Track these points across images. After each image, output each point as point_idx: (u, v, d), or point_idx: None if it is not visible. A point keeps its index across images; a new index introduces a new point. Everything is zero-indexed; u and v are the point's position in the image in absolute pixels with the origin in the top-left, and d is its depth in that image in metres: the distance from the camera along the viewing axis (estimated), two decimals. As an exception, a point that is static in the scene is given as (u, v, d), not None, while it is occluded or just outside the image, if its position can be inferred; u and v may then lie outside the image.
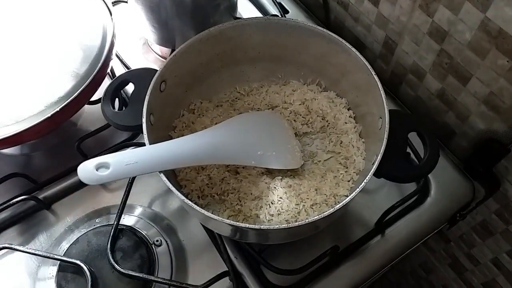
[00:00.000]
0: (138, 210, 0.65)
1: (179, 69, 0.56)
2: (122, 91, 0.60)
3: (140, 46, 0.82)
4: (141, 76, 0.55)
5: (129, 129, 0.52)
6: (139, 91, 0.53)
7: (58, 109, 0.57)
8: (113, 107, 0.55)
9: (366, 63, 0.53)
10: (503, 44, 0.50)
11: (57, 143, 0.72)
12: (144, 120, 0.49)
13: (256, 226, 0.47)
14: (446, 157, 0.68)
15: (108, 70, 0.66)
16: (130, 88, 0.56)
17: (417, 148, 0.61)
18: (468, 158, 0.66)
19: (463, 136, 0.65)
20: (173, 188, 0.46)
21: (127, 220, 0.63)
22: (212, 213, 0.55)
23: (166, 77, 0.54)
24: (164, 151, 0.47)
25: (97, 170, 0.43)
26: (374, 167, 0.46)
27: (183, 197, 0.46)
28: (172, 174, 0.56)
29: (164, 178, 0.46)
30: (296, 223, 0.45)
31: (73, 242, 0.59)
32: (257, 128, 0.58)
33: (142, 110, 0.49)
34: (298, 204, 0.54)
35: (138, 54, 0.81)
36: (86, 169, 0.43)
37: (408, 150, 0.60)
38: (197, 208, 0.45)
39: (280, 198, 0.55)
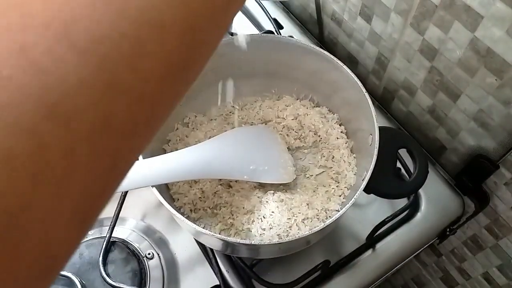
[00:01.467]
0: (131, 223, 0.65)
1: (173, 83, 0.56)
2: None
3: None
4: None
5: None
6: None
7: None
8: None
9: (357, 80, 0.54)
10: (491, 63, 0.51)
11: None
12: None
13: (247, 241, 0.47)
14: (436, 172, 0.68)
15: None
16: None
17: (408, 163, 0.61)
18: (458, 173, 0.67)
19: (453, 151, 0.66)
20: (165, 203, 0.46)
21: (120, 232, 0.63)
22: (204, 226, 0.56)
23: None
24: (156, 166, 0.48)
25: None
26: (364, 183, 0.46)
27: (174, 211, 0.46)
28: (165, 188, 0.57)
29: (156, 193, 0.46)
30: (287, 239, 0.45)
31: (65, 255, 0.59)
32: (250, 143, 0.58)
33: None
34: (289, 219, 0.55)
35: None
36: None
37: (399, 165, 0.61)
38: (188, 222, 0.46)
39: (272, 212, 0.55)
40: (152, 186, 0.46)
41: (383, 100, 0.75)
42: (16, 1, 0.14)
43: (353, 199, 0.46)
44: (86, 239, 0.61)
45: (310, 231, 0.45)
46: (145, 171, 0.46)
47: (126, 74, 0.15)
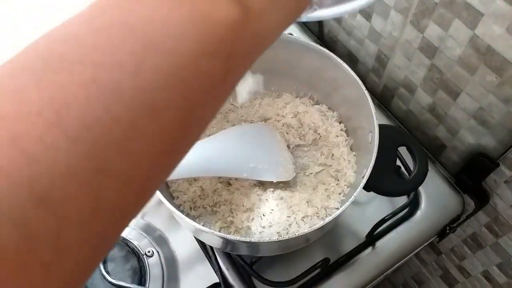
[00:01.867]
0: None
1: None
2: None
3: None
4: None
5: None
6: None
7: None
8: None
9: (357, 78, 0.54)
10: (491, 61, 0.51)
11: None
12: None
13: (247, 239, 0.47)
14: (436, 170, 0.68)
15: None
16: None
17: (407, 161, 0.61)
18: (458, 171, 0.67)
19: (453, 150, 0.66)
20: (164, 200, 0.46)
21: (119, 230, 0.63)
22: (203, 224, 0.56)
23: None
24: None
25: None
26: (364, 180, 0.46)
27: (174, 209, 0.46)
28: (164, 186, 0.57)
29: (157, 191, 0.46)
30: (287, 236, 0.45)
31: (64, 253, 0.59)
32: (249, 141, 0.58)
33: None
34: (289, 216, 0.54)
35: None
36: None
37: (399, 163, 0.61)
38: (188, 220, 0.46)
39: (272, 210, 0.55)
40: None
41: (382, 98, 0.75)
42: (13, 88, 0.14)
43: (352, 197, 0.46)
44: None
45: (309, 228, 0.44)
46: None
47: (117, 158, 0.15)
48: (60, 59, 0.15)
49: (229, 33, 0.17)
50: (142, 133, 0.15)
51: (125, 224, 0.16)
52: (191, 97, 0.16)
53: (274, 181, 0.57)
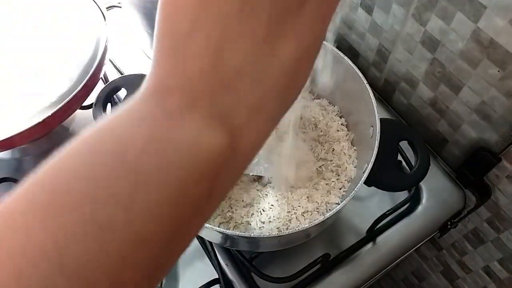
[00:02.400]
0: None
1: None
2: (115, 96, 0.60)
3: (134, 52, 0.82)
4: (134, 82, 0.55)
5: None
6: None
7: (50, 114, 0.57)
8: (105, 113, 0.54)
9: (359, 72, 0.53)
10: (494, 54, 0.50)
11: (49, 148, 0.71)
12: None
13: (247, 234, 0.46)
14: (438, 165, 0.68)
15: (101, 75, 0.65)
16: (123, 94, 0.56)
17: (409, 156, 0.61)
18: (459, 166, 0.66)
19: (455, 144, 0.65)
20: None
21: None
22: (203, 219, 0.55)
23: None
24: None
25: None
26: (365, 175, 0.46)
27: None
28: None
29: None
30: (287, 231, 0.45)
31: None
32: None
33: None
34: (289, 212, 0.54)
35: (132, 60, 0.81)
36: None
37: (400, 158, 0.60)
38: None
39: (272, 205, 0.55)
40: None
41: (384, 93, 0.74)
42: (20, 225, 0.15)
43: (353, 192, 0.45)
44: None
45: (309, 224, 0.44)
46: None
47: (107, 286, 0.16)
48: (63, 194, 0.16)
49: (217, 157, 0.18)
50: (131, 263, 0.16)
51: None
52: (178, 221, 0.17)
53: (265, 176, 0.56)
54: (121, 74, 0.76)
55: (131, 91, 0.55)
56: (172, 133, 0.17)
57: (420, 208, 0.64)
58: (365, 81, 0.52)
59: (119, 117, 0.18)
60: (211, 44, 0.17)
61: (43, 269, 0.15)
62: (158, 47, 0.18)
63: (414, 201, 0.64)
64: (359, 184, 0.46)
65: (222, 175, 0.18)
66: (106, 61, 0.65)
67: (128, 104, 0.18)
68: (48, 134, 0.61)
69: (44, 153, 0.71)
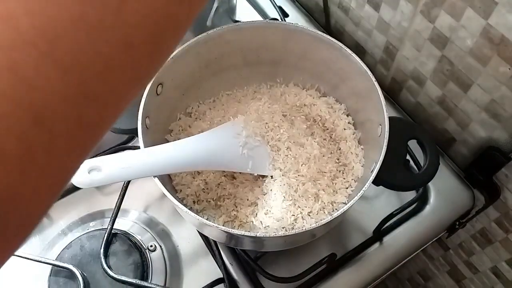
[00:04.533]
0: (133, 215, 0.64)
1: (177, 72, 0.55)
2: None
3: None
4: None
5: (124, 132, 0.51)
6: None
7: None
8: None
9: (367, 69, 0.52)
10: (505, 51, 0.49)
11: None
12: (139, 123, 0.48)
13: (252, 234, 0.46)
14: (446, 164, 0.67)
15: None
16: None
17: (417, 156, 0.60)
18: (468, 166, 0.65)
19: (463, 143, 0.64)
20: (167, 193, 0.45)
21: (122, 224, 0.62)
22: (207, 218, 0.54)
23: (162, 80, 0.53)
24: (159, 156, 0.46)
25: (89, 173, 0.42)
26: (373, 174, 0.45)
27: (177, 203, 0.45)
28: (167, 179, 0.55)
29: (159, 183, 0.45)
30: (293, 231, 0.44)
31: (66, 246, 0.58)
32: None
33: (138, 113, 0.48)
34: (295, 211, 0.53)
35: None
36: (78, 172, 0.42)
37: (408, 157, 0.59)
38: (192, 214, 0.45)
39: (277, 204, 0.54)
40: (154, 177, 0.45)
41: (391, 91, 0.74)
42: (3, 14, 0.16)
43: (362, 191, 0.44)
44: (87, 231, 0.61)
45: (316, 224, 0.43)
46: (147, 161, 0.45)
47: (97, 85, 0.18)
48: None
49: None
50: (118, 65, 0.18)
51: (102, 135, 0.20)
52: (159, 35, 0.19)
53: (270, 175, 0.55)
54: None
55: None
56: None
57: (427, 208, 0.63)
58: (373, 78, 0.51)
59: None
60: None
61: (36, 61, 0.16)
62: None
63: (421, 200, 0.64)
64: (367, 184, 0.45)
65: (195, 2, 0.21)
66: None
67: None
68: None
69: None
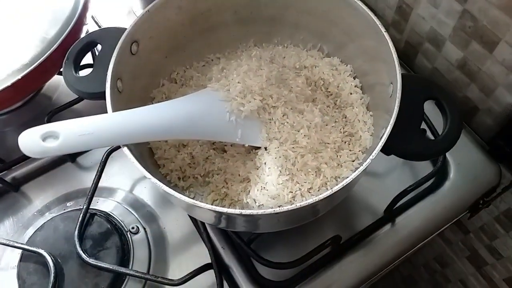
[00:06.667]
0: (120, 195, 0.59)
1: (155, 29, 0.49)
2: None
3: (120, 8, 0.77)
4: (110, 36, 0.48)
5: (94, 97, 0.45)
6: (106, 53, 0.46)
7: (20, 77, 0.52)
8: (78, 73, 0.48)
9: (375, 18, 0.46)
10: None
11: (31, 118, 0.67)
12: (108, 84, 0.42)
13: (243, 212, 0.39)
14: (468, 136, 0.62)
15: (82, 35, 0.59)
16: (101, 51, 0.49)
17: (435, 124, 0.53)
18: (493, 137, 0.61)
19: (487, 112, 0.59)
20: (142, 169, 0.38)
21: (103, 205, 0.57)
22: (194, 197, 0.49)
23: (138, 37, 0.47)
24: (127, 121, 0.40)
25: (43, 140, 0.36)
26: (382, 140, 0.38)
27: (155, 180, 0.38)
28: (148, 152, 0.49)
29: (127, 152, 0.38)
30: (289, 207, 0.37)
31: (38, 228, 0.53)
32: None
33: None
34: (293, 188, 0.47)
35: (118, 17, 0.76)
36: (30, 139, 0.36)
37: (424, 126, 0.52)
38: (169, 190, 0.38)
39: (272, 180, 0.47)
40: (123, 146, 0.38)
41: (404, 56, 0.69)
42: None
43: (368, 160, 0.38)
44: (63, 211, 0.55)
45: (314, 198, 0.36)
46: (113, 126, 0.38)
47: None
48: None
49: None
50: None
51: None
52: None
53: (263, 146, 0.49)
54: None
55: (105, 46, 0.48)
56: None
57: (447, 184, 0.58)
58: (383, 29, 0.44)
59: None
60: None
61: None
62: None
63: (440, 176, 0.59)
64: (375, 151, 0.38)
65: None
66: (88, 19, 0.59)
67: None
68: (29, 103, 0.56)
69: (25, 124, 0.65)
